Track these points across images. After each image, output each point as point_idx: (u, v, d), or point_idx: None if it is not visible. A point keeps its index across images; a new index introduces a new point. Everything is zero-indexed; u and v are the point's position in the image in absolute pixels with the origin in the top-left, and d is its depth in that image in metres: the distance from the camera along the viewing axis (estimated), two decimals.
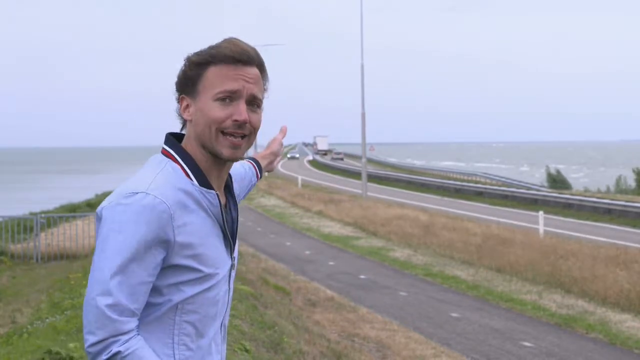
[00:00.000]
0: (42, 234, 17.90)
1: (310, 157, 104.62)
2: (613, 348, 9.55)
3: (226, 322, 1.98)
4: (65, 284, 12.44)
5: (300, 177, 47.68)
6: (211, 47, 1.89)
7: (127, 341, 1.72)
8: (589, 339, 9.96)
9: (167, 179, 1.80)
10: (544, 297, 12.39)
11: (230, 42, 1.89)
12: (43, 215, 19.24)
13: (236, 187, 2.27)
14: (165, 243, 1.76)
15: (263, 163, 2.64)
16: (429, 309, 11.62)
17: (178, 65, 1.97)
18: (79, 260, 16.12)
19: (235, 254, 1.98)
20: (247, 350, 6.60)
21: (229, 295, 1.95)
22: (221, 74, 1.86)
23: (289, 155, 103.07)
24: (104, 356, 1.71)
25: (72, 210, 26.83)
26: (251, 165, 2.56)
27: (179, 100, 1.93)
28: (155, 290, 1.79)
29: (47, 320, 8.97)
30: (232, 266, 1.95)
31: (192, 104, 1.89)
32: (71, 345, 6.31)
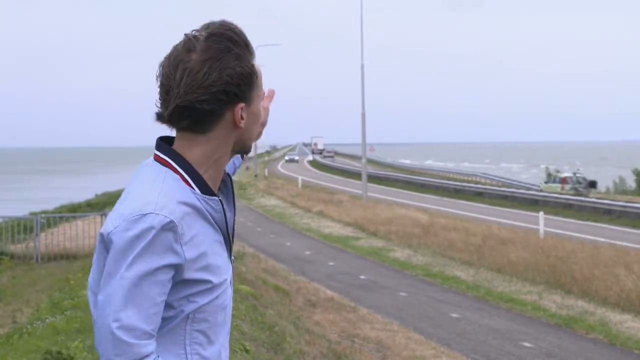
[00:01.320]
0: (42, 234, 17.89)
1: (310, 158, 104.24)
2: (613, 348, 9.55)
3: (230, 324, 1.96)
4: (65, 284, 12.44)
5: (300, 178, 47.67)
6: (247, 43, 1.76)
7: None
8: (589, 339, 9.95)
9: (171, 193, 1.71)
10: (544, 297, 12.39)
11: (237, 29, 1.76)
12: (43, 215, 19.24)
13: None
14: (175, 261, 1.70)
15: None
16: (429, 310, 11.61)
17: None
18: (79, 260, 16.12)
19: (232, 257, 1.93)
20: (247, 351, 6.60)
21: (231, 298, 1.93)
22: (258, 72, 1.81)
23: (287, 158, 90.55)
24: None
25: (72, 211, 26.84)
26: None
27: (236, 112, 1.75)
28: (167, 305, 1.74)
29: (47, 320, 8.96)
30: (232, 269, 1.91)
31: (245, 111, 1.77)
32: (73, 344, 6.31)
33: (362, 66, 34.45)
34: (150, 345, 1.69)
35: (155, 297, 1.69)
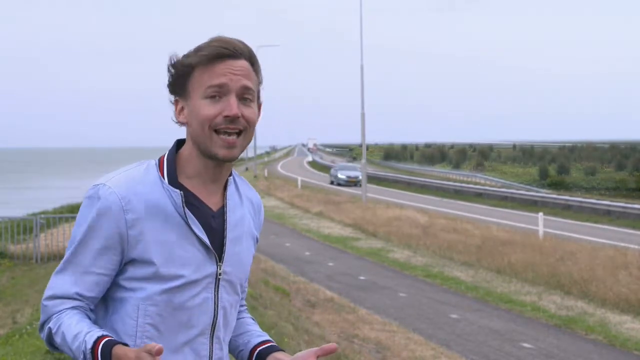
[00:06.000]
0: (42, 235, 17.89)
1: (310, 158, 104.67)
2: (612, 349, 9.55)
3: (222, 334, 1.87)
4: None
5: (300, 178, 47.66)
6: (197, 47, 1.84)
7: (57, 317, 1.79)
8: (589, 340, 9.96)
9: (132, 175, 1.81)
10: (544, 298, 12.39)
11: (216, 38, 1.84)
12: (42, 215, 19.23)
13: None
14: (117, 235, 1.76)
15: None
16: (428, 310, 11.62)
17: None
18: None
19: (228, 263, 1.86)
20: None
21: (215, 305, 1.84)
22: (208, 70, 1.80)
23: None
24: (43, 337, 1.83)
25: (72, 211, 26.78)
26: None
27: (174, 104, 1.88)
28: (115, 285, 1.81)
29: None
30: (217, 274, 1.83)
31: (186, 106, 1.84)
32: None
33: (362, 67, 34.42)
34: (65, 304, 1.80)
35: (89, 261, 1.79)
